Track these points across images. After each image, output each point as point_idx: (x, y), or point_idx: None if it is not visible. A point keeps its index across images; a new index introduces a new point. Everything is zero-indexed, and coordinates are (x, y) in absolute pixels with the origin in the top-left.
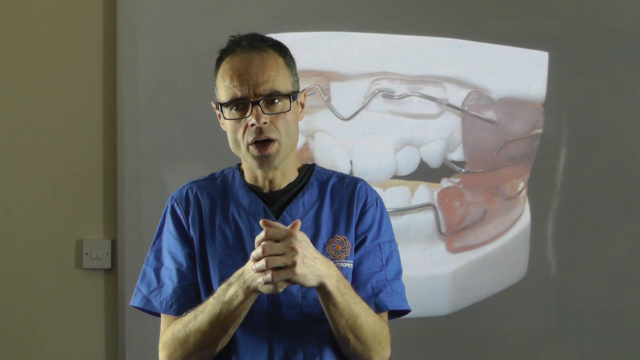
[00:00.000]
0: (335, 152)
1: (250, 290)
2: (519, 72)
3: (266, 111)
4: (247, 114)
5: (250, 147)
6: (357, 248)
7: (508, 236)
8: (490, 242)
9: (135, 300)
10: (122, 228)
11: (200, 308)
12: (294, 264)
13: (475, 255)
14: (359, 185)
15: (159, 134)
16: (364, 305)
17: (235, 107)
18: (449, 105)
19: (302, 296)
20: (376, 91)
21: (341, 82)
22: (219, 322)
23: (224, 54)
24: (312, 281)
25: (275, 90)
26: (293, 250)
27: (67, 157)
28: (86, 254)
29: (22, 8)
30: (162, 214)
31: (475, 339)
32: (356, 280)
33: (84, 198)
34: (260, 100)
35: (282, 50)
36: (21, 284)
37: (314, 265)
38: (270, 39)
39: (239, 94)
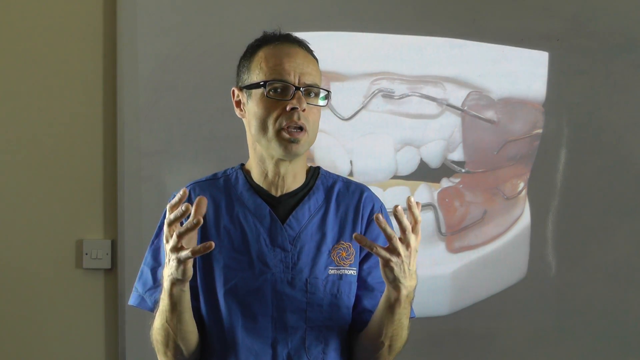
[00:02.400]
0: (335, 152)
1: (171, 280)
2: (519, 72)
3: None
4: (289, 98)
5: (282, 131)
6: (365, 257)
7: (508, 236)
8: (490, 242)
9: (132, 299)
10: (122, 228)
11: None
12: (397, 255)
13: (475, 255)
14: (365, 193)
15: (159, 134)
16: (409, 320)
17: (274, 90)
18: (449, 105)
19: (307, 301)
20: (376, 91)
21: (341, 82)
22: (166, 319)
23: (262, 42)
24: (391, 277)
25: (317, 84)
26: (408, 246)
27: (67, 157)
28: (86, 254)
29: (22, 8)
30: (163, 212)
31: (475, 339)
32: (365, 289)
33: (84, 198)
34: (303, 88)
35: (316, 57)
36: (21, 284)
37: (404, 271)
38: (307, 42)
39: (285, 77)
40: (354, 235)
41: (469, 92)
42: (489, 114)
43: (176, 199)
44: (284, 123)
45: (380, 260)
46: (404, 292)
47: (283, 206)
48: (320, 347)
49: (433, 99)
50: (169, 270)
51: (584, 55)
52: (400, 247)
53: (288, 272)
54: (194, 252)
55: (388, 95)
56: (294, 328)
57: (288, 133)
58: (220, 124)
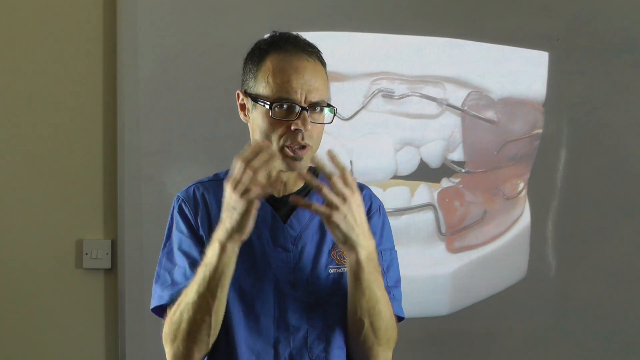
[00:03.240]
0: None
1: (229, 234)
2: (519, 72)
3: (310, 119)
4: (294, 118)
5: (285, 148)
6: None
7: (508, 236)
8: (490, 242)
9: (153, 302)
10: (122, 228)
11: (189, 284)
12: (335, 208)
13: (475, 255)
14: (363, 192)
15: (159, 134)
16: (386, 294)
17: (280, 106)
18: (449, 105)
19: (308, 301)
20: (376, 91)
21: (341, 82)
22: (205, 288)
23: (271, 47)
24: (340, 236)
25: (324, 100)
26: (345, 198)
27: (67, 157)
28: (86, 254)
29: (22, 8)
30: (170, 214)
31: (475, 339)
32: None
33: (84, 198)
34: (309, 107)
35: (324, 62)
36: (21, 284)
37: (352, 227)
38: (315, 46)
39: (292, 95)
40: (290, 199)
41: (469, 92)
42: (489, 114)
43: (256, 145)
44: (288, 142)
45: (324, 222)
46: (362, 252)
47: (284, 207)
48: (322, 346)
49: (433, 99)
50: (228, 223)
51: (584, 55)
52: (335, 197)
53: (290, 272)
54: (265, 188)
55: (388, 95)
56: (295, 328)
57: (291, 151)
58: (220, 124)
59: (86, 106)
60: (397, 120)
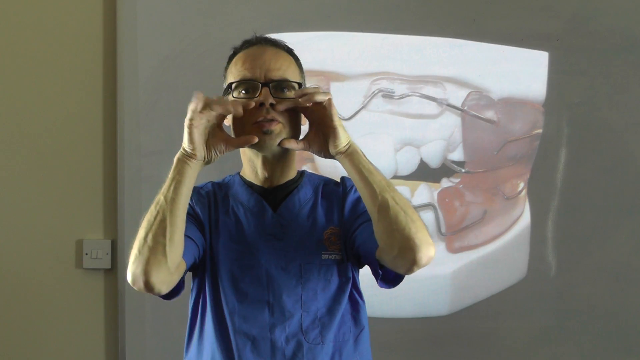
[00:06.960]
0: None
1: (180, 157)
2: (519, 72)
3: (275, 96)
4: (256, 95)
5: (253, 125)
6: (352, 232)
7: (508, 236)
8: (490, 242)
9: None
10: (122, 228)
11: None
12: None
13: (475, 255)
14: (340, 180)
15: (159, 134)
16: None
17: (245, 91)
18: (449, 105)
19: (302, 286)
20: (376, 91)
21: (341, 82)
22: (163, 198)
23: (238, 49)
24: (343, 134)
25: (286, 78)
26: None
27: (67, 157)
28: (86, 254)
29: (22, 8)
30: None
31: (475, 339)
32: (362, 249)
33: (84, 198)
34: (270, 83)
35: (293, 54)
36: (21, 284)
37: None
38: (283, 42)
39: (249, 75)
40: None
41: (469, 92)
42: (489, 114)
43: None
44: (254, 118)
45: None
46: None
47: (274, 197)
48: (318, 330)
49: (433, 99)
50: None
51: (584, 55)
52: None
53: (282, 259)
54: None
55: (388, 95)
56: (290, 312)
57: (260, 125)
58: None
59: (86, 106)
60: (397, 120)
